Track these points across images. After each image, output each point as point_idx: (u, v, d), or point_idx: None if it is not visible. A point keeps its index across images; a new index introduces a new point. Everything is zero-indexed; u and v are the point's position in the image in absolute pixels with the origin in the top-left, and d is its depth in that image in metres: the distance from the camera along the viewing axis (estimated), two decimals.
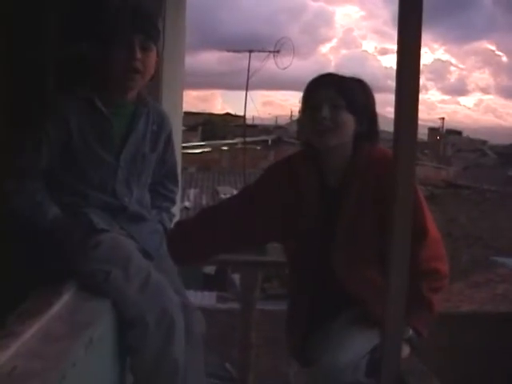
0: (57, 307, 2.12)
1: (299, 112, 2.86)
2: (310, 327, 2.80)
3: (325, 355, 2.60)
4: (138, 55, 2.54)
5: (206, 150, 31.19)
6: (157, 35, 2.65)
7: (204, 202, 20.82)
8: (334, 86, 2.73)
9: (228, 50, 27.55)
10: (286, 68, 23.67)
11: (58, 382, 1.68)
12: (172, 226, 2.99)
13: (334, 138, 2.70)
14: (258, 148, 29.78)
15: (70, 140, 2.53)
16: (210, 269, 15.97)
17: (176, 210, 4.02)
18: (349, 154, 2.77)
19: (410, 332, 2.64)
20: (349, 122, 2.73)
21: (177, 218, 3.75)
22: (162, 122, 2.79)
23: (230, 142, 31.39)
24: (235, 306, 6.02)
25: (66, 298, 2.24)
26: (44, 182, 2.52)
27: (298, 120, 2.98)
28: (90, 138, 2.56)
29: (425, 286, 2.69)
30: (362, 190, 2.71)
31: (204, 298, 12.77)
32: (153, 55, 2.62)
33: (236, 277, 11.35)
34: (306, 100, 2.80)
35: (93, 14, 2.80)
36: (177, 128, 3.91)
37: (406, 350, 2.61)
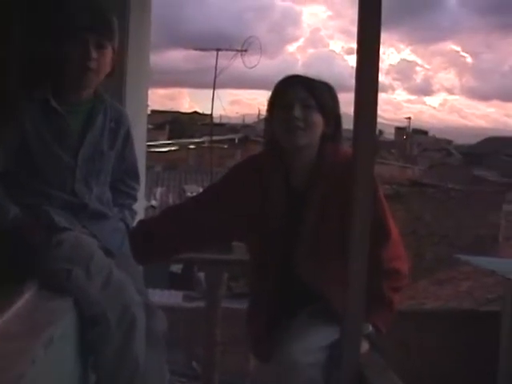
0: (17, 306, 2.12)
1: (267, 111, 2.87)
2: (271, 323, 2.81)
3: (285, 348, 2.62)
4: (93, 55, 2.56)
5: (172, 148, 31.08)
6: (111, 34, 2.66)
7: (170, 200, 20.75)
8: (305, 86, 2.75)
9: (195, 49, 27.50)
10: (253, 67, 23.68)
11: (15, 380, 1.68)
12: (135, 223, 3.00)
13: (305, 138, 2.71)
14: (225, 147, 29.72)
15: (25, 141, 2.53)
16: (176, 267, 15.94)
17: (142, 208, 4.02)
18: (314, 155, 2.78)
19: (370, 328, 2.67)
20: (319, 122, 2.74)
21: (143, 217, 3.75)
22: (119, 119, 2.79)
23: (197, 140, 31.31)
24: (201, 304, 6.03)
25: (26, 296, 2.23)
26: (1, 183, 2.51)
27: (265, 119, 2.98)
28: (46, 138, 2.56)
29: (385, 285, 2.73)
30: (327, 191, 2.73)
31: (170, 297, 12.75)
32: (108, 53, 2.63)
33: (202, 275, 11.33)
34: (275, 100, 2.81)
35: (47, 13, 2.81)
36: (142, 126, 3.91)
37: (365, 346, 2.64)
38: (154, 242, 2.97)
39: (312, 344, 2.60)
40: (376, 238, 2.51)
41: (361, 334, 2.54)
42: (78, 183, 2.62)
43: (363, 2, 2.34)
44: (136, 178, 2.99)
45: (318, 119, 2.74)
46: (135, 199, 3.01)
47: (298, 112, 2.69)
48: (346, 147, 2.80)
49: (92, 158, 2.66)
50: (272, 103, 2.82)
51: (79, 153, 2.62)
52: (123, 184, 2.92)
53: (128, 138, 2.85)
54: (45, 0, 2.96)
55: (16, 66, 3.01)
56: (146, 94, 4.28)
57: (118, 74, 3.40)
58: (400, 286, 2.81)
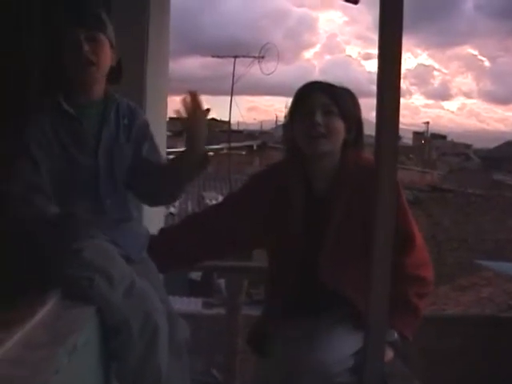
0: (40, 315, 2.11)
1: (285, 117, 2.87)
2: (286, 324, 2.78)
3: (313, 353, 2.59)
4: (85, 47, 2.57)
5: None
6: (101, 25, 2.66)
7: (189, 207, 20.77)
8: (326, 92, 2.74)
9: (213, 56, 27.58)
10: (270, 73, 23.72)
11: None
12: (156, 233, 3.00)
13: (327, 144, 2.71)
14: (243, 153, 29.73)
15: (50, 148, 2.55)
16: (195, 275, 15.92)
17: (161, 215, 4.02)
18: (336, 161, 2.77)
19: (395, 335, 2.65)
20: (340, 128, 2.74)
21: (162, 225, 3.75)
22: (131, 115, 2.79)
23: (216, 147, 31.32)
24: (221, 311, 6.01)
25: (49, 305, 2.23)
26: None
27: (285, 126, 2.97)
28: (66, 143, 2.57)
29: (411, 292, 2.72)
30: (350, 197, 2.72)
31: (190, 304, 12.74)
32: (102, 45, 2.64)
33: (222, 282, 11.32)
34: (296, 106, 2.80)
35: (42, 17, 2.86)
36: (161, 133, 3.92)
37: (389, 354, 2.62)
38: (174, 251, 2.97)
39: (341, 349, 2.58)
40: (401, 244, 2.50)
41: (385, 341, 2.52)
42: (100, 186, 2.63)
43: (384, 7, 2.32)
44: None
45: (339, 125, 2.73)
46: None
47: (319, 118, 2.68)
48: (368, 154, 2.79)
49: (111, 155, 2.67)
50: (293, 110, 2.82)
51: (98, 154, 2.63)
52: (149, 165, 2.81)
53: (145, 134, 2.82)
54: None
55: (29, 74, 3.04)
56: (166, 102, 4.29)
57: (138, 81, 3.44)
58: (426, 293, 2.80)
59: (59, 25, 2.63)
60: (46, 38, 2.72)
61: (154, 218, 3.62)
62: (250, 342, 2.94)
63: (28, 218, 2.49)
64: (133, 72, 3.31)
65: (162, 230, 3.12)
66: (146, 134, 2.82)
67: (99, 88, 2.69)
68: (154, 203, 3.06)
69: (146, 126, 2.85)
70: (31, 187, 2.51)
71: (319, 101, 2.72)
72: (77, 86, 2.65)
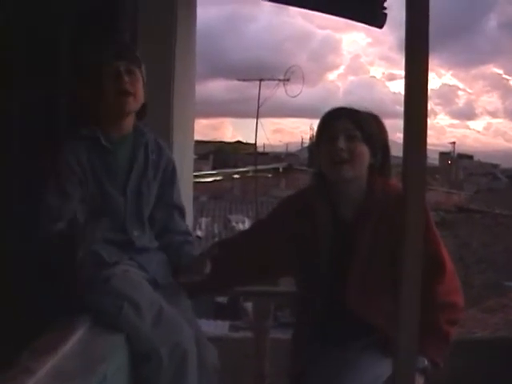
0: (71, 343, 2.13)
1: (310, 139, 2.89)
2: (316, 356, 2.77)
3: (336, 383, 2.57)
4: (126, 78, 2.64)
5: (217, 178, 31.16)
6: (138, 60, 2.74)
7: (216, 230, 20.77)
8: (350, 117, 2.74)
9: (238, 79, 27.79)
10: (296, 96, 23.76)
11: None
12: None
13: (351, 170, 2.70)
14: (270, 176, 29.71)
15: (84, 181, 2.59)
16: (222, 298, 15.90)
17: None
18: (363, 188, 2.76)
19: (425, 362, 2.62)
20: (365, 153, 2.73)
21: None
22: (160, 151, 2.83)
23: (242, 170, 31.36)
24: (248, 334, 5.97)
25: (79, 333, 2.24)
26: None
27: (311, 150, 2.99)
28: (99, 175, 2.61)
29: (442, 318, 2.68)
30: (377, 225, 2.70)
31: (217, 327, 12.69)
32: (138, 79, 2.71)
33: (249, 305, 11.28)
34: (321, 132, 2.80)
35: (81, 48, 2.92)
36: (189, 157, 3.93)
37: (419, 381, 2.59)
38: (203, 279, 2.96)
39: (367, 378, 2.56)
40: (431, 271, 2.48)
41: (415, 369, 2.49)
42: (127, 219, 2.66)
43: (410, 27, 2.31)
44: (183, 215, 2.98)
45: (363, 150, 2.72)
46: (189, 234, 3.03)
47: (342, 143, 2.68)
48: (396, 180, 2.77)
49: (140, 192, 2.71)
50: (318, 136, 2.82)
51: (127, 189, 2.66)
52: (173, 222, 2.90)
53: (173, 174, 2.89)
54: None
55: (65, 106, 3.09)
56: (193, 126, 4.30)
57: (165, 105, 3.46)
58: (457, 319, 2.77)
59: (99, 57, 2.69)
60: (84, 68, 2.76)
61: None
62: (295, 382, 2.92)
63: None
64: (160, 95, 3.34)
65: None
66: (173, 177, 2.89)
67: (130, 121, 2.74)
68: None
69: (174, 169, 2.90)
70: (55, 217, 2.55)
71: (343, 126, 2.72)
72: (111, 120, 2.70)
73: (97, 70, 2.66)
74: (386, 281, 2.63)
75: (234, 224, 20.82)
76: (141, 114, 2.78)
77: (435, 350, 2.66)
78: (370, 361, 2.62)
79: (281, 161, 35.56)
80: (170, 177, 2.85)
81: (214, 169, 35.51)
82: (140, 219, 2.73)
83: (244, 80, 26.88)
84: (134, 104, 2.69)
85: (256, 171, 25.29)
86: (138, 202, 2.72)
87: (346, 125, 2.72)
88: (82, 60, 2.84)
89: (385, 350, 2.58)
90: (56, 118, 3.14)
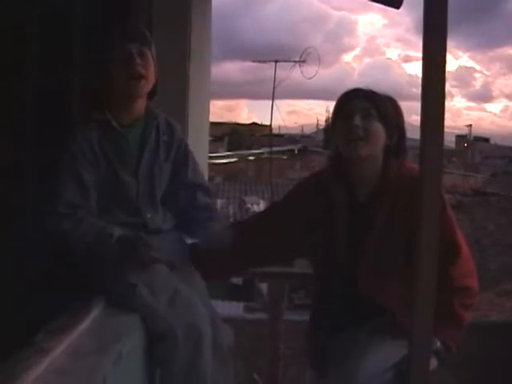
0: (86, 323, 2.14)
1: (326, 121, 2.89)
2: (331, 336, 2.78)
3: (346, 364, 2.58)
4: (138, 61, 2.63)
5: (232, 160, 31.19)
6: (149, 42, 2.73)
7: (231, 212, 20.79)
8: (367, 97, 2.74)
9: (253, 61, 27.72)
10: (311, 77, 23.65)
11: None
12: None
13: (366, 148, 2.69)
14: (285, 157, 29.71)
15: (96, 162, 2.60)
16: (237, 279, 15.94)
17: None
18: (379, 168, 2.75)
19: (438, 344, 2.62)
20: (380, 132, 2.72)
21: None
22: (171, 133, 2.83)
23: (257, 151, 31.36)
24: (263, 316, 6.00)
25: (94, 313, 2.26)
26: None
27: (327, 131, 3.00)
28: (111, 159, 2.63)
29: (456, 302, 2.68)
30: (392, 207, 2.70)
31: (231, 308, 12.75)
32: (150, 61, 2.70)
33: (264, 286, 11.31)
34: (337, 111, 2.80)
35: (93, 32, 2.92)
36: (204, 138, 3.93)
37: (433, 363, 2.59)
38: (218, 260, 2.97)
39: (376, 359, 2.56)
40: (446, 254, 2.47)
41: (429, 352, 2.49)
42: (140, 201, 2.67)
43: (428, 8, 2.29)
44: (206, 192, 2.97)
45: (379, 129, 2.71)
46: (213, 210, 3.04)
47: (357, 121, 2.68)
48: (411, 163, 2.76)
49: (152, 174, 2.71)
50: (334, 116, 2.82)
51: (139, 171, 2.67)
52: (195, 199, 2.90)
53: (186, 154, 2.87)
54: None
55: (76, 90, 3.10)
56: (208, 107, 4.29)
57: (180, 86, 3.46)
58: (471, 303, 2.76)
59: (111, 39, 2.68)
60: (96, 52, 2.77)
61: None
62: (312, 362, 2.93)
63: (81, 237, 2.52)
64: (175, 77, 3.34)
65: None
66: (186, 157, 2.87)
67: (142, 104, 2.73)
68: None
69: (186, 148, 2.89)
70: (78, 205, 2.56)
71: (359, 105, 2.72)
72: (122, 103, 2.69)
73: (109, 54, 2.66)
74: (399, 263, 2.63)
75: (248, 205, 20.84)
76: (151, 94, 2.77)
77: (448, 334, 2.66)
78: (381, 341, 2.62)
79: (296, 143, 35.55)
80: (183, 156, 2.85)
81: (229, 150, 35.55)
82: (153, 201, 2.73)
83: (259, 61, 26.73)
84: (147, 86, 2.69)
85: (271, 153, 25.29)
86: (151, 184, 2.72)
87: (363, 104, 2.72)
88: (94, 44, 2.85)
89: (396, 332, 2.59)
90: (68, 103, 3.15)
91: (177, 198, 2.83)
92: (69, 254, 2.53)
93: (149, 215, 2.69)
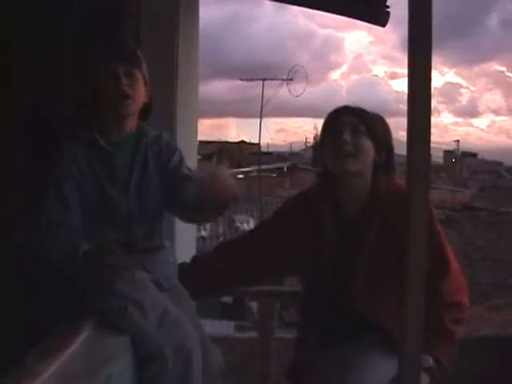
0: (75, 345, 2.12)
1: (314, 139, 2.89)
2: (317, 351, 2.76)
3: (346, 381, 2.56)
4: (124, 81, 2.62)
5: None
6: (138, 62, 2.72)
7: (220, 230, 20.78)
8: (356, 113, 2.76)
9: (241, 79, 27.86)
10: (299, 95, 23.75)
11: None
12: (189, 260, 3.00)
13: (355, 164, 2.70)
14: (274, 175, 29.77)
15: (83, 183, 2.60)
16: (227, 298, 15.91)
17: (192, 239, 4.01)
18: (367, 185, 2.76)
19: (430, 361, 2.61)
20: (369, 148, 2.73)
21: (193, 249, 3.74)
22: (160, 142, 2.79)
23: (246, 169, 31.40)
24: (253, 334, 5.97)
25: (84, 335, 2.24)
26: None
27: (315, 147, 2.98)
28: (99, 177, 2.62)
29: (447, 317, 2.68)
30: (381, 223, 2.70)
31: (222, 327, 12.71)
32: (138, 80, 2.69)
33: (254, 305, 11.28)
34: (326, 127, 2.81)
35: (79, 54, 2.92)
36: (192, 157, 3.93)
37: (425, 380, 2.58)
38: (207, 278, 2.97)
39: (374, 376, 2.55)
40: (435, 269, 2.47)
41: (420, 368, 2.48)
42: (131, 219, 2.65)
43: (413, 25, 2.30)
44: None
45: (368, 145, 2.73)
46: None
47: (347, 136, 2.69)
48: (400, 180, 2.77)
49: (142, 191, 2.70)
50: (323, 131, 2.83)
51: (129, 188, 2.65)
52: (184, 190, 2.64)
53: (173, 151, 2.80)
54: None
55: (65, 107, 3.10)
56: (196, 126, 4.30)
57: (168, 105, 3.46)
58: (462, 318, 2.75)
59: (98, 59, 2.69)
60: (83, 72, 2.77)
61: (185, 242, 3.62)
62: (289, 372, 2.91)
63: (56, 253, 2.52)
64: (163, 95, 3.33)
65: (194, 258, 3.13)
66: (173, 151, 2.81)
67: (132, 123, 2.72)
68: (196, 217, 2.82)
69: (171, 142, 2.86)
70: (56, 222, 2.55)
71: (348, 121, 2.74)
72: (111, 121, 2.69)
73: (97, 72, 2.67)
74: (391, 279, 2.63)
75: (238, 224, 20.84)
76: (145, 113, 2.76)
77: (440, 349, 2.66)
78: (373, 360, 2.61)
79: (285, 160, 35.66)
80: (171, 152, 2.79)
81: None
82: (145, 219, 2.71)
83: (247, 80, 27.00)
84: (134, 106, 2.68)
85: (260, 171, 25.33)
86: (142, 201, 2.70)
87: (352, 120, 2.74)
88: (83, 61, 2.85)
89: (390, 349, 2.58)
90: (57, 119, 3.14)
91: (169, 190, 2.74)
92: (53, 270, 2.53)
93: (139, 233, 2.68)
